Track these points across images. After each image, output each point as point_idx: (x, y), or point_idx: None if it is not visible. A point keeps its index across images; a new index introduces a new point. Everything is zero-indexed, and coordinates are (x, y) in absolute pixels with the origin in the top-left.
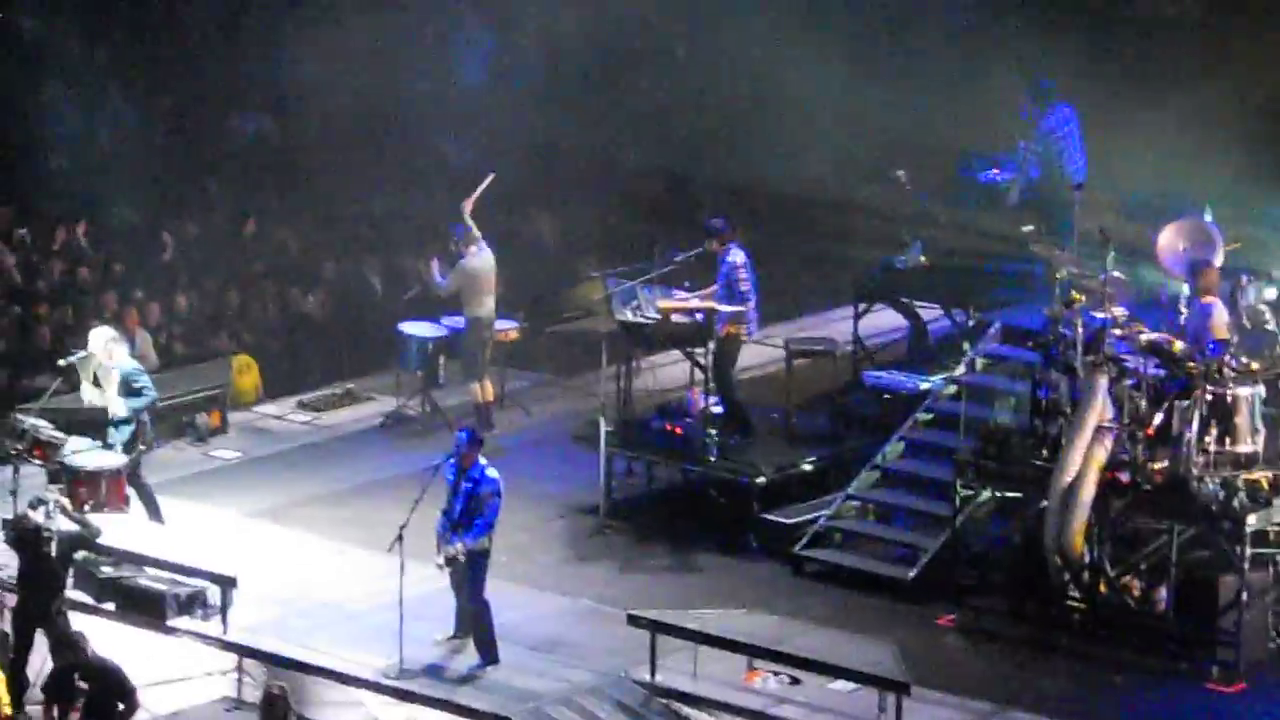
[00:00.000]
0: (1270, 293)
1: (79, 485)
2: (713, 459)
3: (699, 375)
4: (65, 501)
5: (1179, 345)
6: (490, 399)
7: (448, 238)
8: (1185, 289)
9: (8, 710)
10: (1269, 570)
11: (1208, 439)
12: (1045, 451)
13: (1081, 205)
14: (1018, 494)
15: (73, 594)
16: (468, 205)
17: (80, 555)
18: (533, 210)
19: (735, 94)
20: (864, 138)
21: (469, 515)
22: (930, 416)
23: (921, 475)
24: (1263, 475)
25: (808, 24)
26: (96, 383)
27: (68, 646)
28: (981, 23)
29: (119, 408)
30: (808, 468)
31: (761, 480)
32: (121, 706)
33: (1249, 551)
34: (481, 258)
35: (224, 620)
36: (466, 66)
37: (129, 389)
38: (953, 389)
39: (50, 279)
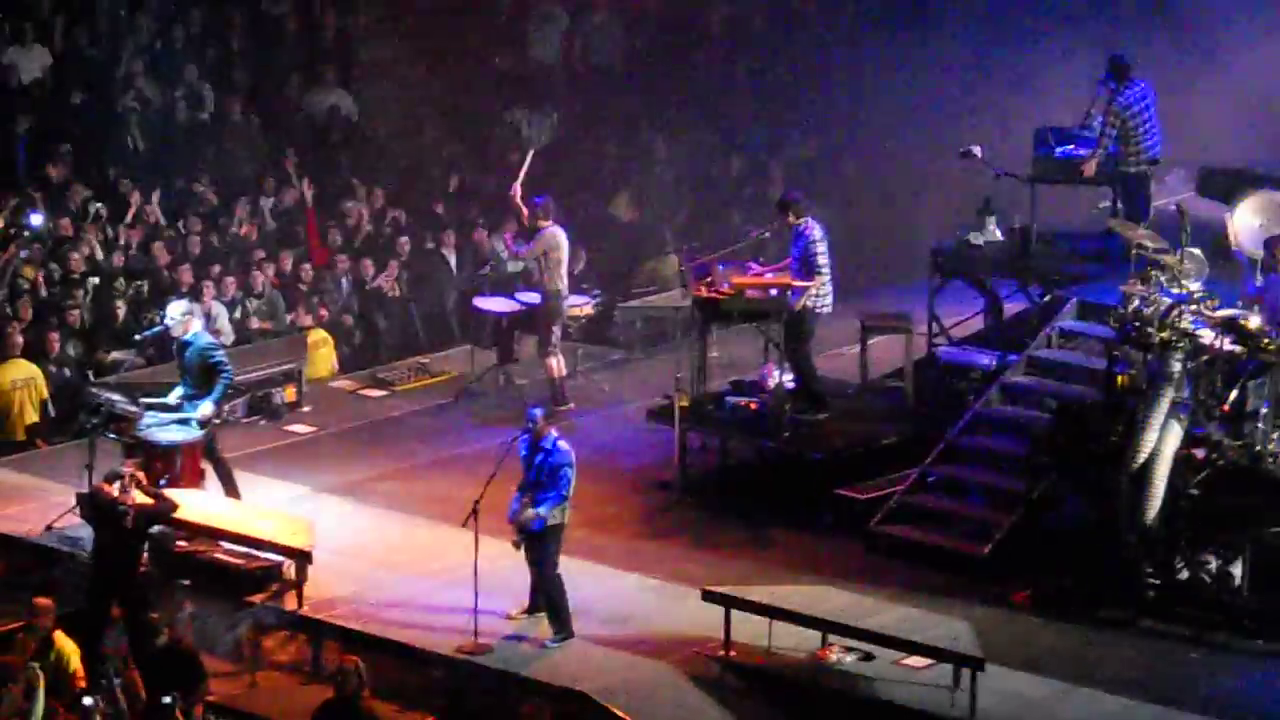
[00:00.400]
0: None
1: (155, 460)
2: (787, 435)
3: (773, 350)
4: (141, 476)
5: (1254, 321)
6: (564, 374)
7: (520, 213)
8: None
9: (82, 683)
10: None
11: None
12: (1120, 428)
13: (1157, 181)
14: (1092, 471)
15: (148, 568)
16: (516, 189)
17: (156, 530)
18: (608, 187)
19: (811, 67)
20: (941, 112)
21: (542, 488)
22: (1005, 393)
23: (996, 451)
24: None
25: None
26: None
27: (142, 625)
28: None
29: (209, 410)
30: (882, 444)
31: (836, 456)
32: (192, 686)
33: None
34: (554, 234)
35: (299, 595)
36: (543, 43)
37: (205, 365)
38: (1028, 365)
39: (126, 254)
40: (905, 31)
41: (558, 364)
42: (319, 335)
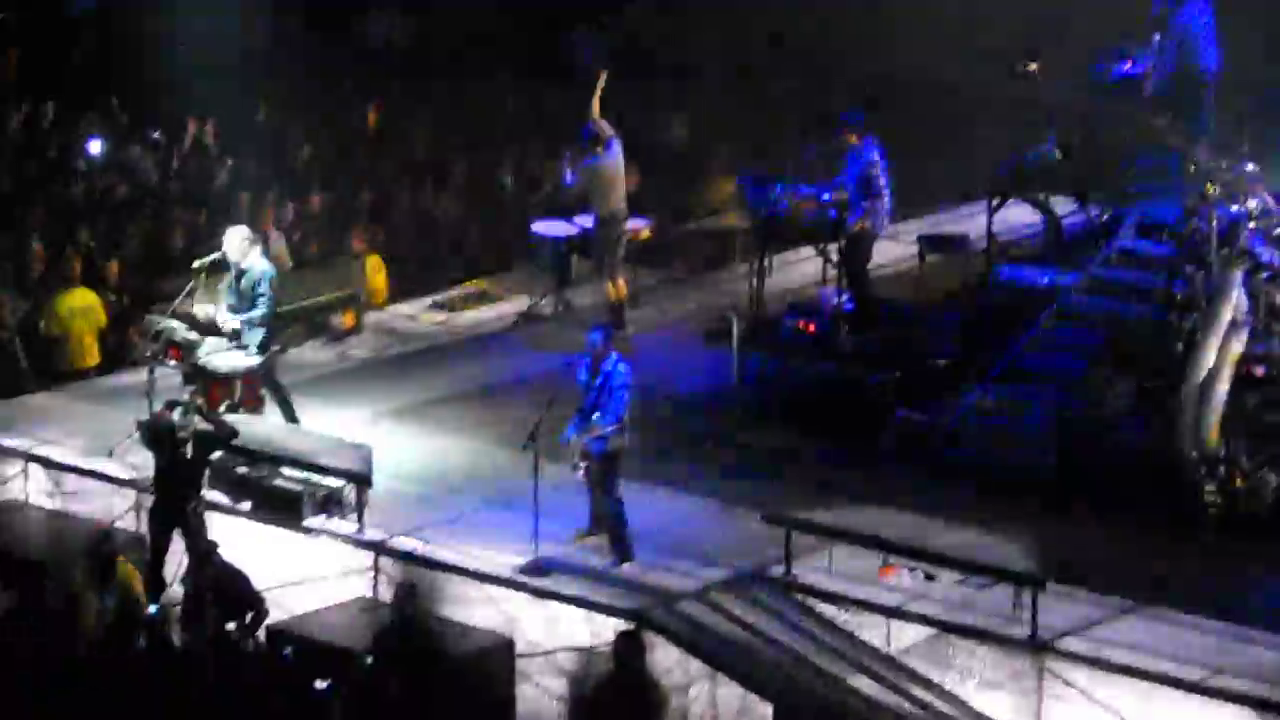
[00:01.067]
0: None
1: (214, 386)
2: (846, 356)
3: (831, 272)
4: (200, 402)
5: None
6: (623, 297)
7: (576, 138)
8: None
9: (148, 609)
10: None
11: None
12: (1180, 346)
13: (1217, 97)
14: (1152, 389)
15: (209, 494)
16: (595, 106)
17: (216, 455)
18: (665, 109)
19: None
20: (998, 30)
21: (601, 409)
22: (1065, 311)
23: (1056, 370)
24: None
25: None
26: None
27: (201, 553)
28: None
29: (233, 324)
30: (942, 364)
31: (896, 377)
32: (251, 614)
33: None
34: (610, 157)
35: (359, 519)
36: None
37: (252, 292)
38: (1088, 283)
39: (183, 180)
40: None
41: (616, 287)
42: (374, 260)
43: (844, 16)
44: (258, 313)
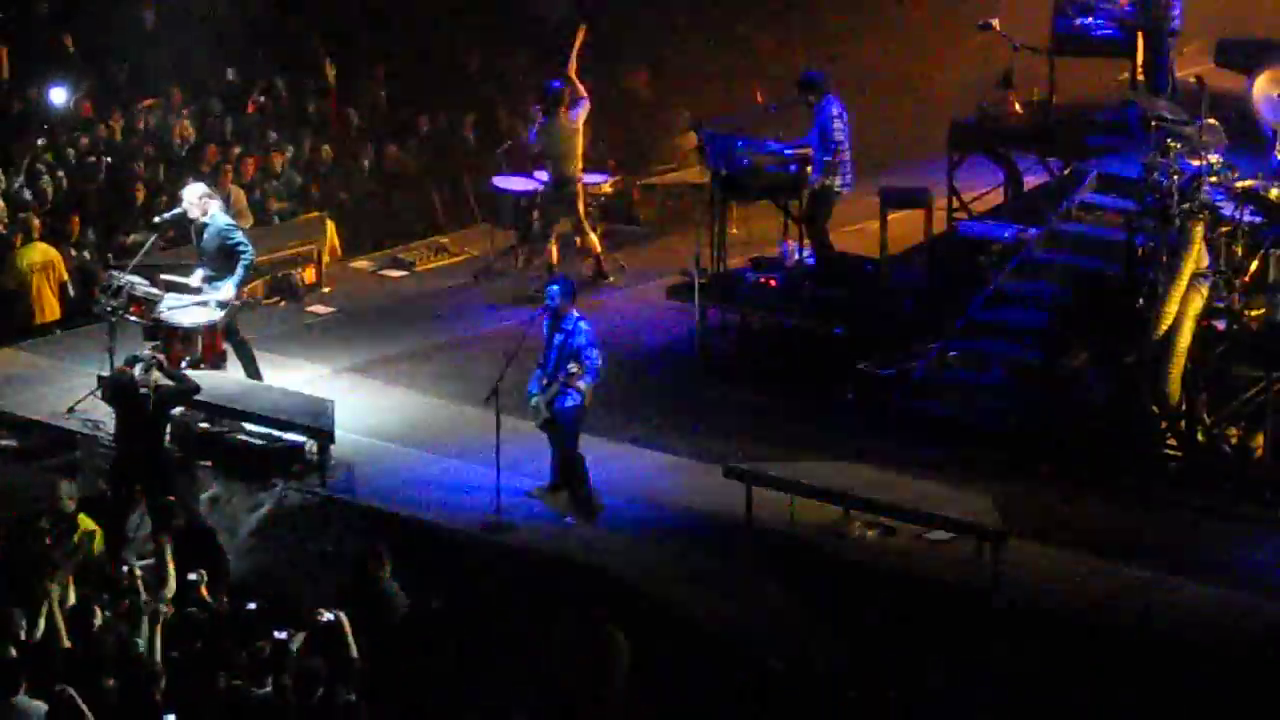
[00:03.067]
0: None
1: (175, 341)
2: (807, 311)
3: (793, 227)
4: (162, 358)
5: (1275, 191)
6: (598, 250)
7: (542, 94)
8: None
9: (108, 564)
10: None
11: None
12: (1141, 300)
13: (1177, 52)
14: (1114, 343)
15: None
16: (571, 65)
17: (177, 411)
18: (626, 63)
19: None
20: None
21: (562, 366)
22: (1026, 266)
23: (1017, 325)
24: None
25: None
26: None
27: (163, 507)
28: None
29: (216, 269)
30: (903, 319)
31: (857, 332)
32: (214, 568)
33: None
34: (567, 118)
35: (321, 475)
36: None
37: (224, 245)
38: (1049, 238)
39: (145, 135)
40: None
41: (589, 242)
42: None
43: None
44: (244, 263)
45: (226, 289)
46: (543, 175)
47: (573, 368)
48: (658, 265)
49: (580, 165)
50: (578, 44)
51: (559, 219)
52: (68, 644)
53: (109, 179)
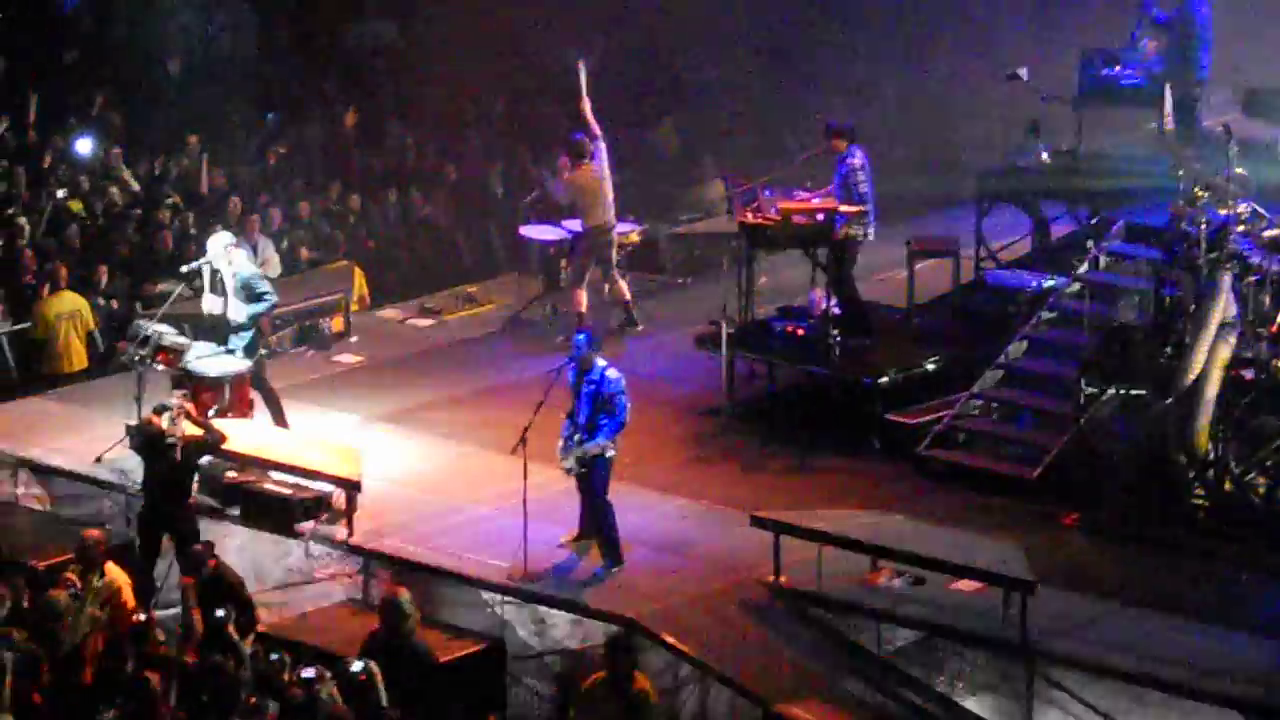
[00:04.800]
0: None
1: (203, 391)
2: (835, 360)
3: (820, 276)
4: (189, 407)
5: None
6: (627, 298)
7: (568, 144)
8: None
9: (136, 616)
10: None
11: None
12: (1169, 349)
13: (1205, 101)
14: (1141, 392)
15: (198, 499)
16: (585, 104)
17: (205, 460)
18: (653, 114)
19: None
20: (987, 35)
21: (595, 417)
22: (1054, 315)
23: (1045, 374)
24: None
25: None
26: (216, 289)
27: (193, 556)
28: None
29: (239, 313)
30: (930, 368)
31: (884, 381)
32: (240, 616)
33: None
34: (592, 168)
35: (349, 524)
36: None
37: (250, 294)
38: (1076, 287)
39: (171, 185)
40: None
41: (618, 289)
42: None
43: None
44: (263, 306)
45: (249, 335)
46: (572, 224)
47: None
48: (685, 314)
49: (612, 213)
50: (583, 80)
51: (590, 267)
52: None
53: (137, 228)
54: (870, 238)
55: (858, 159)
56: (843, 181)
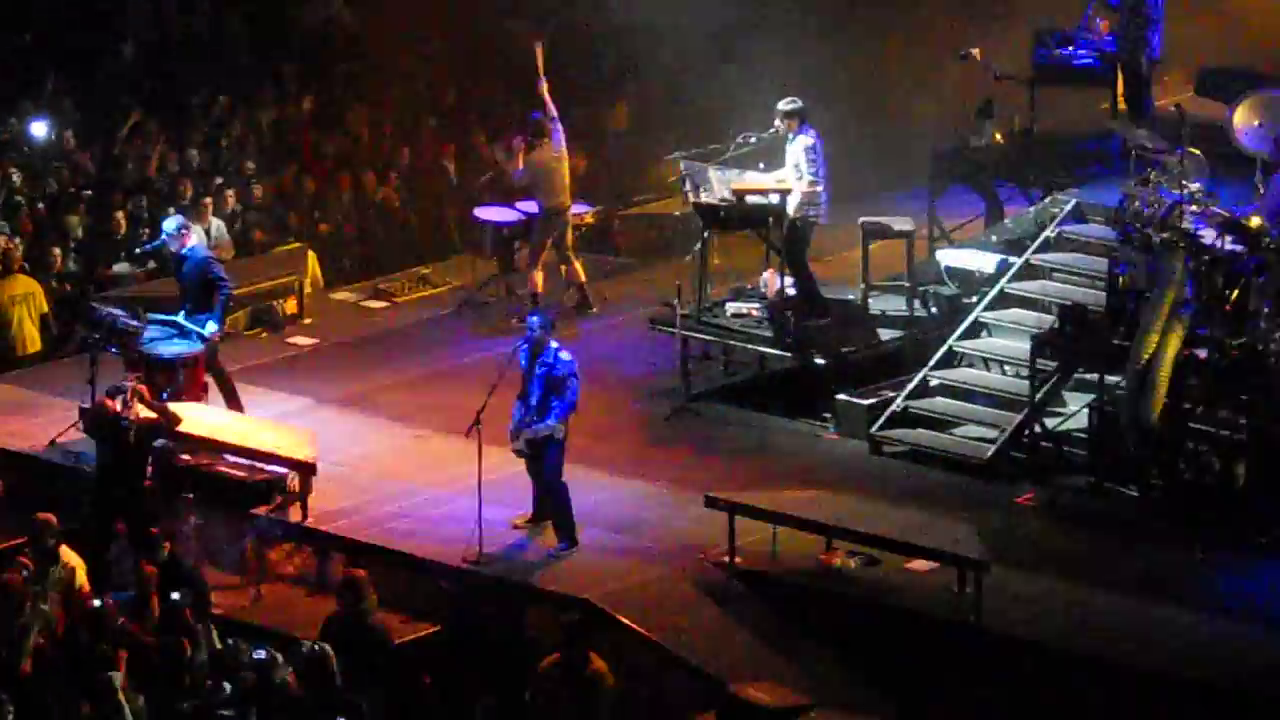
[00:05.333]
0: None
1: (157, 374)
2: (789, 341)
3: (774, 257)
4: (143, 390)
5: (1255, 221)
6: (583, 280)
7: (525, 125)
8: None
9: (91, 600)
10: None
11: None
12: (1123, 329)
13: (1156, 81)
14: (1095, 372)
15: (151, 482)
16: (542, 85)
17: (158, 443)
18: (605, 95)
19: None
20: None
21: (546, 399)
22: (1007, 295)
23: (999, 354)
24: None
25: None
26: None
27: (145, 539)
28: None
29: (213, 327)
30: (884, 348)
31: (838, 361)
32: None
33: None
34: (551, 149)
35: (303, 507)
36: None
37: (204, 278)
38: (1029, 268)
39: (125, 167)
40: None
41: (575, 271)
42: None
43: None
44: (221, 297)
45: (210, 325)
46: (527, 206)
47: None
48: (639, 296)
49: (569, 195)
50: (540, 60)
51: (546, 249)
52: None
53: (89, 210)
54: (823, 219)
55: (810, 139)
56: (795, 162)
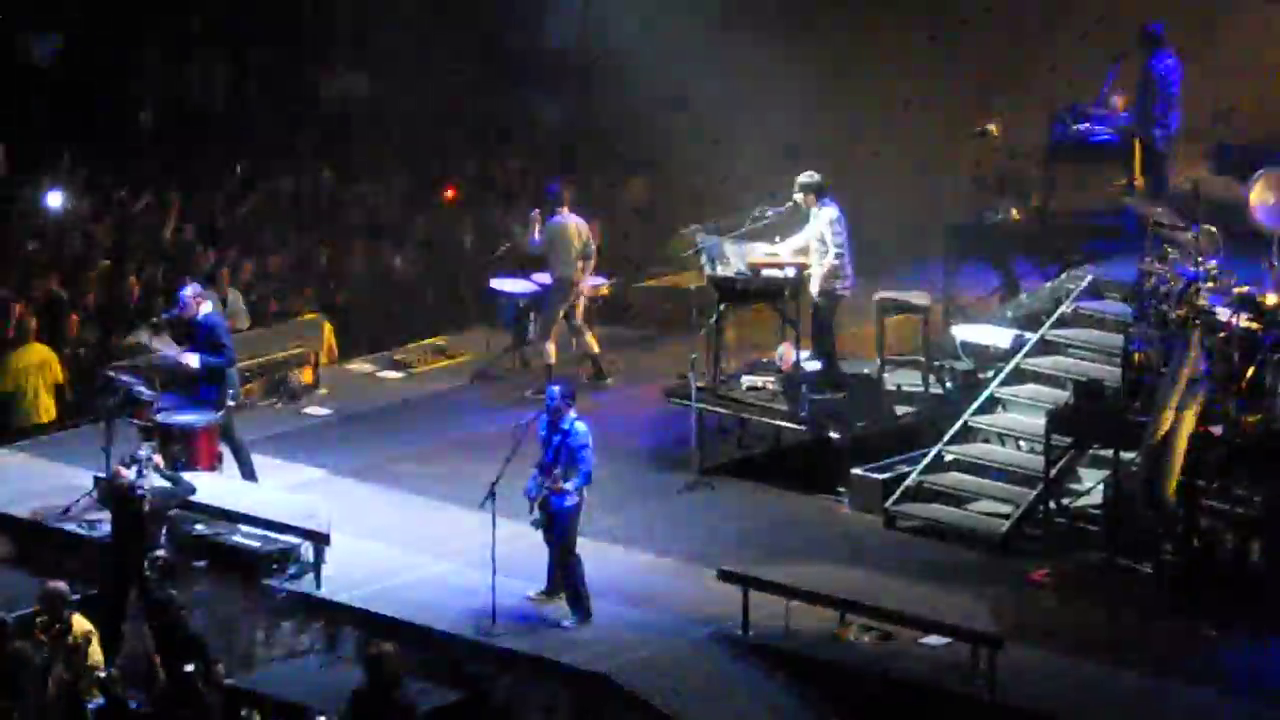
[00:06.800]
0: None
1: (171, 442)
2: (804, 415)
3: (789, 330)
4: (158, 459)
5: (1271, 298)
6: (596, 351)
7: (541, 197)
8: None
9: (101, 671)
10: None
11: None
12: (1138, 405)
13: (1174, 157)
14: (1110, 448)
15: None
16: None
17: (173, 513)
18: (624, 169)
19: (827, 55)
20: (955, 91)
21: (562, 468)
22: (1023, 371)
23: (1014, 430)
24: None
25: None
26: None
27: (158, 606)
28: None
29: (194, 362)
30: (899, 423)
31: (854, 436)
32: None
33: None
34: (570, 218)
35: (317, 578)
36: (559, 25)
37: (211, 345)
38: (1044, 344)
39: (141, 237)
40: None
41: (589, 342)
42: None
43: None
44: (218, 361)
45: (190, 358)
46: (541, 277)
47: (560, 472)
48: (655, 368)
49: (582, 267)
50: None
51: (558, 319)
52: None
53: (105, 280)
54: (848, 292)
55: (832, 213)
56: (818, 234)
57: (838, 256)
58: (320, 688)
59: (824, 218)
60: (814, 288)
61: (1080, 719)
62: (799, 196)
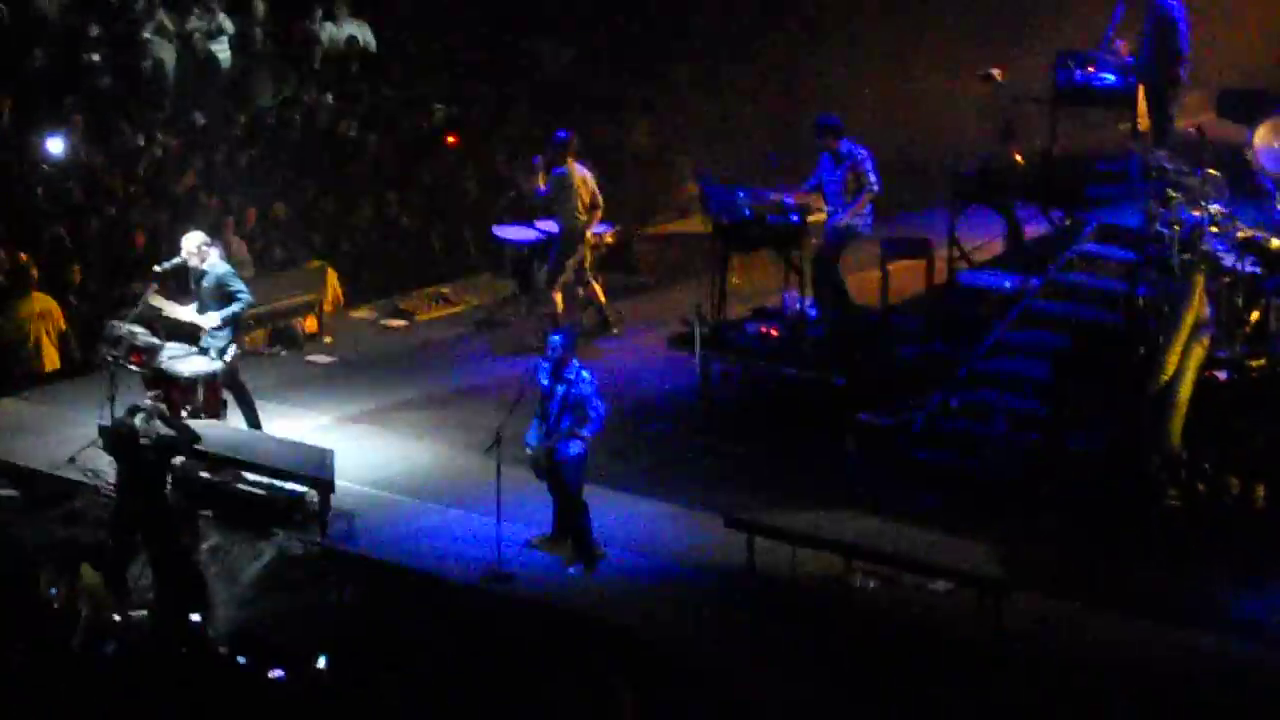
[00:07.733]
0: None
1: (176, 391)
2: (809, 361)
3: (794, 277)
4: (162, 407)
5: (1276, 242)
6: (602, 300)
7: (545, 145)
8: None
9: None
10: None
11: None
12: (1143, 350)
13: (1179, 102)
14: (1115, 393)
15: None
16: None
17: (178, 461)
18: (628, 115)
19: None
20: (959, 35)
21: (565, 416)
22: (1027, 316)
23: (1019, 375)
24: None
25: None
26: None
27: (167, 555)
28: None
29: (210, 317)
30: (905, 368)
31: (858, 382)
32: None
33: None
34: (578, 168)
35: (321, 525)
36: None
37: (222, 293)
38: (1049, 289)
39: (145, 184)
40: None
41: (595, 291)
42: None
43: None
44: (238, 306)
45: (222, 335)
46: (546, 225)
47: (571, 421)
48: (659, 315)
49: (584, 218)
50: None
51: (566, 268)
52: None
53: (109, 227)
54: (868, 229)
55: (859, 151)
56: (845, 174)
57: (870, 193)
58: (321, 633)
59: (855, 155)
60: (840, 223)
61: (1085, 664)
62: (822, 139)
